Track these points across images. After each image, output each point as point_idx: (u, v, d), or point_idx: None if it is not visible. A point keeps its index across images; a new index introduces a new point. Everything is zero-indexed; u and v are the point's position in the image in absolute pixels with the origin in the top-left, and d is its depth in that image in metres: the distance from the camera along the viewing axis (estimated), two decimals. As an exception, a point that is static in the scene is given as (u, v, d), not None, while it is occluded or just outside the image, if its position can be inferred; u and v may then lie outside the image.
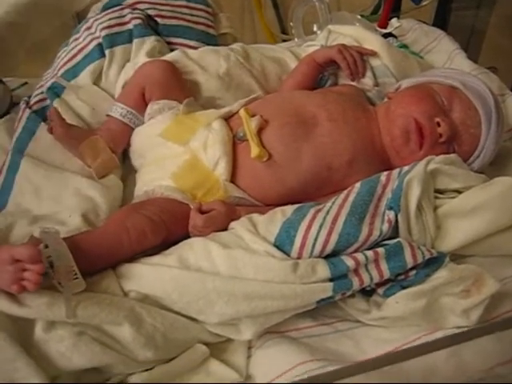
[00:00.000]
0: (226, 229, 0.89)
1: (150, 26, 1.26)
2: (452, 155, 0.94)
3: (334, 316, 0.86)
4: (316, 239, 0.81)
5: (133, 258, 0.85)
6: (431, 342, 0.76)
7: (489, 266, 0.84)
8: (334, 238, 0.81)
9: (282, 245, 0.82)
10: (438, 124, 0.97)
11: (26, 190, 0.99)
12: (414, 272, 0.82)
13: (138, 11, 1.25)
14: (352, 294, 0.83)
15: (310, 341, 0.83)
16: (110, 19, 1.21)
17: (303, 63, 1.19)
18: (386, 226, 0.83)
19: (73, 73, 1.19)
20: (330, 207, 0.85)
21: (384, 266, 0.80)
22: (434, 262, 0.82)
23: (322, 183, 0.98)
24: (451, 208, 0.87)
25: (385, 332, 0.83)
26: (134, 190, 1.04)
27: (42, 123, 1.09)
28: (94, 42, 1.20)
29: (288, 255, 0.81)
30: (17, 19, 1.27)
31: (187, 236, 0.90)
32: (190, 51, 1.19)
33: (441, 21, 1.56)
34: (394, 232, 0.85)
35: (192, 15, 1.30)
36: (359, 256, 0.80)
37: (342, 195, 0.87)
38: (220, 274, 0.79)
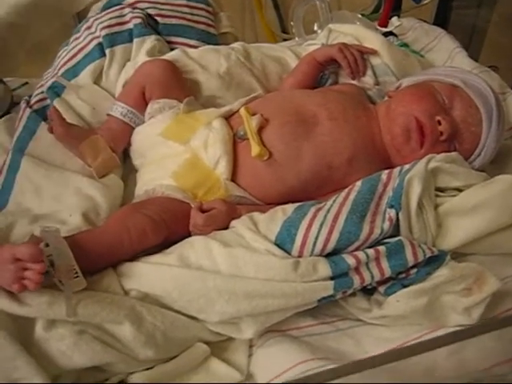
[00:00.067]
0: (226, 228, 0.89)
1: (150, 25, 1.26)
2: (453, 153, 0.94)
3: (335, 315, 0.86)
4: (317, 238, 0.81)
5: (133, 256, 0.85)
6: (429, 340, 0.76)
7: (490, 265, 0.83)
8: (335, 236, 0.81)
9: (283, 243, 0.82)
10: (439, 122, 0.97)
11: (26, 190, 0.99)
12: (415, 270, 0.82)
13: (138, 10, 1.25)
14: (353, 293, 0.83)
15: (311, 340, 0.83)
16: (110, 19, 1.21)
17: (304, 62, 1.19)
18: (386, 225, 0.83)
19: (73, 72, 1.19)
20: (331, 205, 0.85)
21: (385, 264, 0.80)
22: (435, 261, 0.82)
23: (323, 182, 0.98)
24: (452, 206, 0.87)
25: (386, 331, 0.83)
26: (135, 189, 1.04)
27: (43, 123, 1.09)
28: (95, 42, 1.20)
29: (289, 254, 0.81)
30: (17, 20, 1.27)
31: (188, 235, 0.90)
32: (191, 50, 1.19)
33: (441, 19, 1.55)
34: (395, 230, 0.85)
35: (192, 14, 1.30)
36: (360, 254, 0.80)
37: (343, 194, 0.87)
38: (221, 273, 0.79)
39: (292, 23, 1.44)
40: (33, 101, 1.15)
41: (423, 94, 1.01)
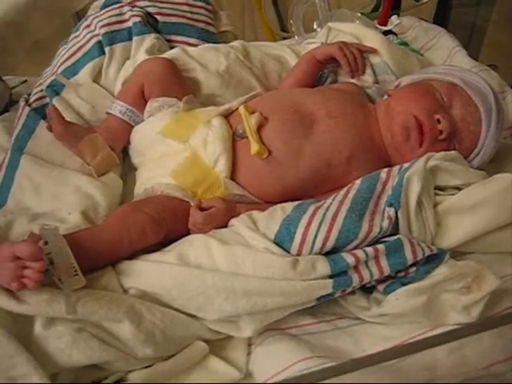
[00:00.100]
0: (225, 226, 0.89)
1: (150, 23, 1.25)
2: (452, 152, 0.94)
3: (334, 313, 0.86)
4: (316, 236, 0.81)
5: (133, 255, 0.85)
6: (427, 338, 0.76)
7: (488, 264, 0.83)
8: (334, 234, 0.81)
9: (282, 241, 0.82)
10: (438, 121, 0.97)
11: (25, 188, 0.99)
12: (414, 269, 0.81)
13: (138, 9, 1.25)
14: (352, 291, 0.83)
15: (310, 338, 0.83)
16: (109, 17, 1.21)
17: (303, 60, 1.18)
18: (386, 223, 0.83)
19: (72, 70, 1.18)
20: (330, 204, 0.85)
21: (384, 262, 0.80)
22: (434, 259, 0.82)
23: (322, 180, 0.98)
24: (451, 205, 0.87)
25: (385, 329, 0.83)
26: (134, 187, 1.04)
27: (42, 121, 1.09)
28: (94, 40, 1.20)
29: (288, 252, 0.81)
30: (16, 18, 1.27)
31: (187, 233, 0.90)
32: (190, 49, 1.19)
33: (441, 18, 1.55)
34: (394, 229, 0.85)
35: (192, 13, 1.30)
36: (359, 253, 0.80)
37: (342, 192, 0.87)
38: (219, 271, 0.79)
39: (291, 22, 1.44)
40: (32, 99, 1.15)
41: (422, 92, 1.01)
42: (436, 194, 0.89)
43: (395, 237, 0.83)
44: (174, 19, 1.28)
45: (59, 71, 1.19)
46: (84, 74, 1.18)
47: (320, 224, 0.81)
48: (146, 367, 0.78)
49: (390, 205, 0.85)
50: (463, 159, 0.95)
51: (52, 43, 1.34)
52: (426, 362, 0.70)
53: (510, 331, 0.69)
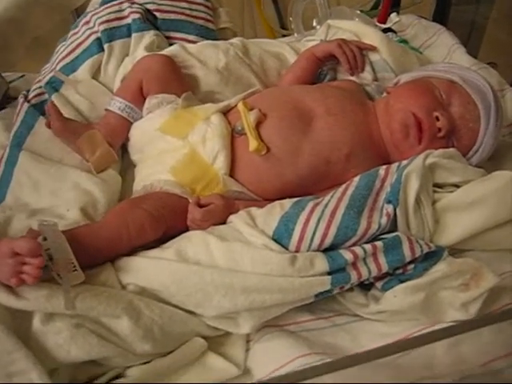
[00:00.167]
0: (224, 222, 0.89)
1: (149, 20, 1.25)
2: (451, 149, 0.94)
3: (332, 310, 0.86)
4: (314, 233, 0.81)
5: (131, 251, 0.85)
6: (425, 334, 0.76)
7: (487, 261, 0.83)
8: (333, 231, 0.81)
9: (281, 238, 0.82)
10: (437, 118, 0.97)
11: (24, 184, 0.99)
12: (412, 266, 0.81)
13: (137, 5, 1.25)
14: (350, 288, 0.84)
15: (308, 335, 0.83)
16: (108, 13, 1.21)
17: (302, 58, 1.18)
18: (384, 220, 0.83)
19: (71, 67, 1.18)
20: (329, 200, 0.85)
21: (382, 259, 0.80)
22: (432, 256, 0.82)
23: (321, 177, 0.98)
24: (450, 202, 0.87)
25: (383, 326, 0.83)
26: (133, 184, 1.04)
27: (41, 117, 1.08)
28: (93, 37, 1.19)
29: (286, 249, 0.81)
30: (17, 15, 1.27)
31: (186, 230, 0.90)
32: (189, 45, 1.19)
33: (440, 16, 1.55)
34: (393, 226, 0.85)
35: (191, 9, 1.29)
36: (357, 249, 0.80)
37: (341, 189, 0.87)
38: (218, 267, 0.79)
39: (291, 19, 1.44)
40: (31, 95, 1.15)
41: (421, 90, 1.01)
42: (434, 192, 0.89)
43: (393, 234, 0.83)
44: (173, 16, 1.27)
45: (58, 68, 1.19)
46: (83, 71, 1.17)
47: (318, 221, 0.81)
48: (145, 363, 0.79)
49: (389, 202, 0.85)
50: (462, 157, 0.95)
51: (51, 40, 1.34)
52: (425, 359, 0.70)
53: (510, 327, 0.69)
